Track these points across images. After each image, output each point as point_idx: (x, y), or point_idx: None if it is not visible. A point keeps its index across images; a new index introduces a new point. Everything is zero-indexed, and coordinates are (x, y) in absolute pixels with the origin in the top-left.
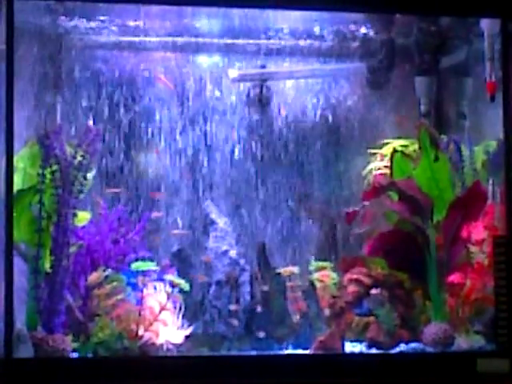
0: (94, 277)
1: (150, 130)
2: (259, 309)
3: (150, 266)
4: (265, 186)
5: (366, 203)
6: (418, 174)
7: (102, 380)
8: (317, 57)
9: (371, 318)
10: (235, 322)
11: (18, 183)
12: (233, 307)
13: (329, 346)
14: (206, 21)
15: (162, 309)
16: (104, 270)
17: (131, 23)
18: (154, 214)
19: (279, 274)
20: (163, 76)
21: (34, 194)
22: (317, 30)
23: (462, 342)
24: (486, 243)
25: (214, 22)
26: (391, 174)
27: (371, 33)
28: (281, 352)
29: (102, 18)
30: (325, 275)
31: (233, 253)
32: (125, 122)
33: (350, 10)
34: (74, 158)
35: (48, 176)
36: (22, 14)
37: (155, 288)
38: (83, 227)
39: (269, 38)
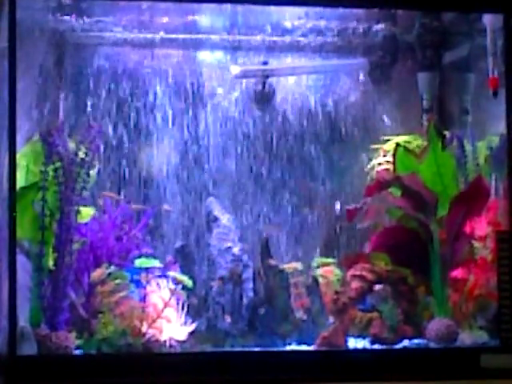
0: (97, 274)
1: (152, 125)
2: (262, 311)
3: (154, 262)
4: (268, 182)
5: (368, 199)
6: (423, 169)
7: (106, 377)
8: (319, 53)
9: (374, 314)
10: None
11: (20, 180)
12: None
13: (332, 342)
14: (208, 17)
15: (166, 305)
16: (107, 267)
17: (133, 20)
18: (164, 207)
19: (282, 270)
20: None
21: (37, 192)
22: (319, 25)
23: (466, 338)
24: (489, 239)
25: (216, 18)
26: (394, 169)
27: (373, 28)
28: (284, 348)
29: (104, 14)
30: (328, 271)
31: (236, 249)
32: (128, 118)
33: (352, 6)
34: (77, 154)
35: (51, 173)
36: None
37: (158, 285)
38: (86, 224)
39: (271, 34)
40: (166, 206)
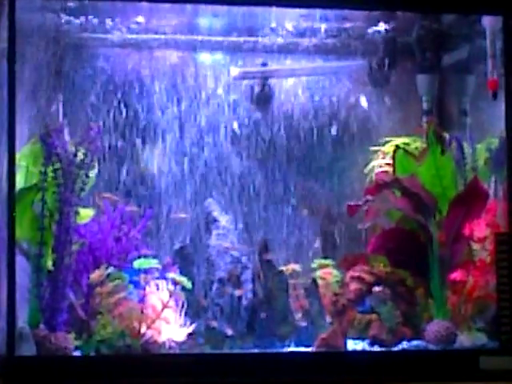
0: (96, 275)
1: (151, 127)
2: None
3: (153, 263)
4: (267, 184)
5: (370, 197)
6: (423, 171)
7: (105, 378)
8: (319, 54)
9: (373, 316)
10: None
11: (20, 181)
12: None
13: (331, 344)
14: (207, 18)
15: (165, 307)
16: (106, 268)
17: (132, 21)
18: (179, 215)
19: (281, 271)
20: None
21: (36, 192)
22: (318, 27)
23: (465, 340)
24: (488, 240)
25: (215, 20)
26: (393, 171)
27: (373, 30)
28: (283, 350)
29: (102, 15)
30: (327, 273)
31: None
32: (126, 119)
33: (351, 8)
34: (76, 155)
35: (50, 174)
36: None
37: (157, 286)
38: (85, 225)
39: (271, 36)
40: (181, 214)
